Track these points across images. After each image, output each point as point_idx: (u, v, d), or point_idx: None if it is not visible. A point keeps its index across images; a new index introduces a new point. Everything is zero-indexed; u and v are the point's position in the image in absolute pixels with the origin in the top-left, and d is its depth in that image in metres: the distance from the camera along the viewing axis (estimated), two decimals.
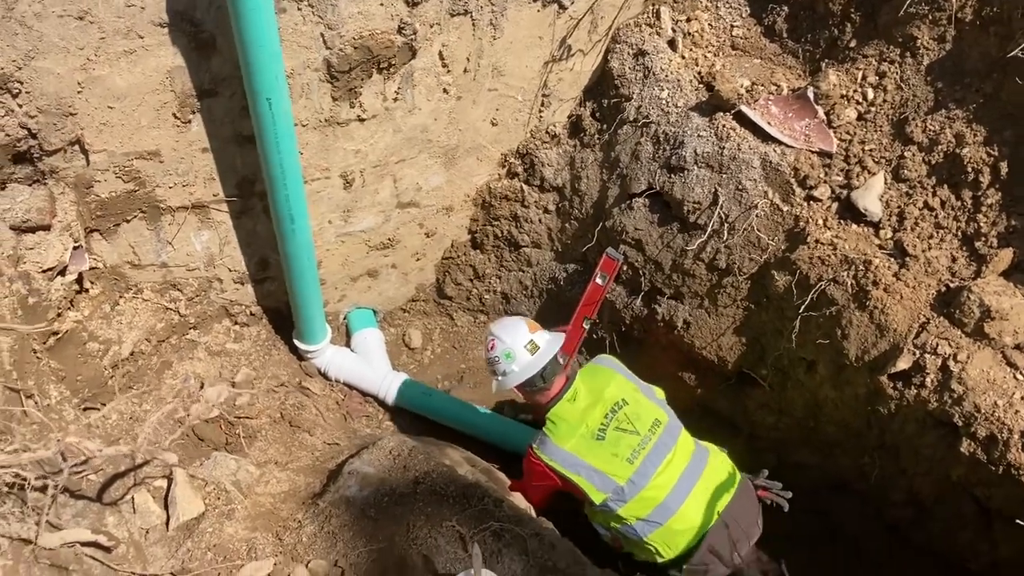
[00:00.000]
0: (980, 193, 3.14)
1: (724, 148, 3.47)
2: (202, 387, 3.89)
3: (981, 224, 3.13)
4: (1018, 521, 2.34)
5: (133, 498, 2.72)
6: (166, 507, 2.80)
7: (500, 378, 3.27)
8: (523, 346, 3.21)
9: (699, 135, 3.53)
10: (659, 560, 3.12)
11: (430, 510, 2.78)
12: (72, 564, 2.24)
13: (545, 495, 3.30)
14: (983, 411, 2.89)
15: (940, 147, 3.22)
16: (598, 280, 4.04)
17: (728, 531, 3.05)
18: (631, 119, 3.73)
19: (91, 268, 3.44)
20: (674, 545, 3.06)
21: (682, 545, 3.05)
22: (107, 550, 2.36)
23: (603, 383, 3.24)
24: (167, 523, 2.75)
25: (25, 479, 1.82)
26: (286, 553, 2.70)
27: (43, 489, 2.20)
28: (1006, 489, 2.91)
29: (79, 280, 3.36)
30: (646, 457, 3.08)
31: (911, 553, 3.43)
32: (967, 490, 3.09)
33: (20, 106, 2.83)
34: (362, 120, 3.53)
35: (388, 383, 4.28)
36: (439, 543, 2.65)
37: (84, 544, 2.24)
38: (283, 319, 4.23)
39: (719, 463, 3.24)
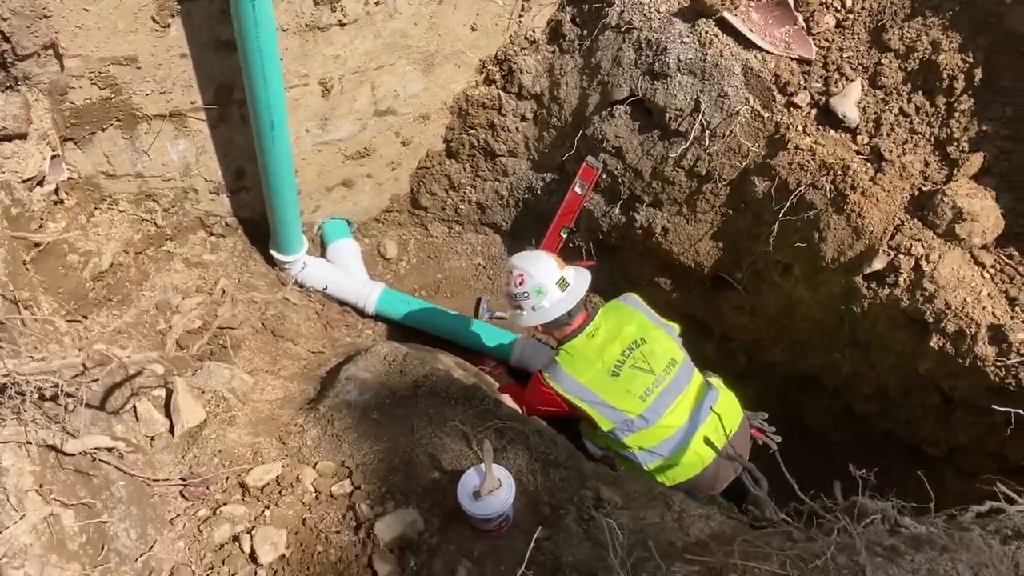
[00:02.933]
0: (953, 99, 3.22)
1: (707, 54, 3.49)
2: (182, 298, 3.88)
3: (954, 129, 3.23)
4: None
5: (135, 407, 2.74)
6: (168, 415, 2.82)
7: (527, 313, 3.24)
8: (555, 282, 3.21)
9: (682, 41, 3.53)
10: None
11: (432, 411, 2.84)
12: (91, 470, 2.27)
13: (547, 416, 3.30)
14: (953, 307, 3.05)
15: (916, 54, 3.28)
16: (577, 189, 4.07)
17: (721, 467, 3.15)
18: (613, 24, 3.70)
19: (67, 179, 3.36)
20: (672, 477, 3.13)
21: (680, 477, 3.13)
22: (121, 456, 2.39)
23: (624, 321, 3.25)
24: (171, 430, 2.78)
25: (58, 386, 1.82)
26: (291, 456, 2.74)
27: (54, 398, 2.22)
28: (970, 380, 3.10)
29: (55, 191, 3.28)
30: (659, 396, 3.13)
31: (875, 441, 3.64)
32: (933, 382, 3.28)
33: None
34: (343, 25, 3.45)
35: (367, 292, 4.30)
36: (444, 441, 2.71)
37: (103, 449, 2.26)
38: (259, 230, 4.19)
39: (726, 403, 3.29)
